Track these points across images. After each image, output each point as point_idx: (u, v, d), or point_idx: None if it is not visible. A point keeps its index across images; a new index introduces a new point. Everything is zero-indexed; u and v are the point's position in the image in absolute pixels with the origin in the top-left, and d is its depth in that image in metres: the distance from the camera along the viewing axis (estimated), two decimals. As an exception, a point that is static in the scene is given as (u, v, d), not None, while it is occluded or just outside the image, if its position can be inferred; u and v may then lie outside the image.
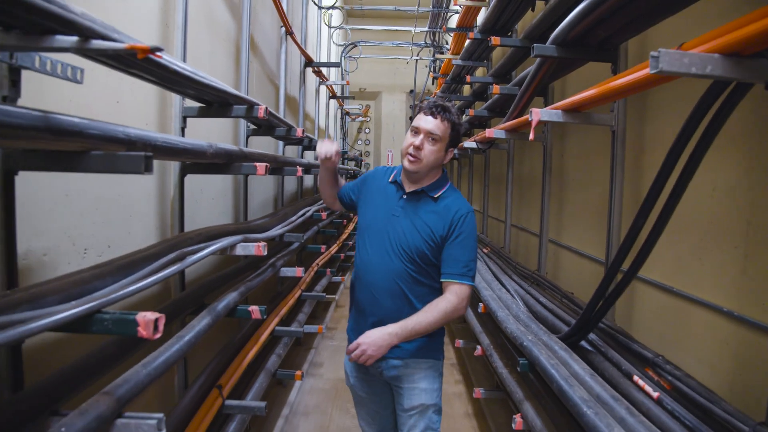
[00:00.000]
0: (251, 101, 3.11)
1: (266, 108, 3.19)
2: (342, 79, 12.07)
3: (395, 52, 14.65)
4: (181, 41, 3.17)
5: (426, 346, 2.53)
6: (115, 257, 2.11)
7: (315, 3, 9.04)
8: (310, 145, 6.46)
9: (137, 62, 1.98)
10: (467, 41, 6.77)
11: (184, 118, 3.20)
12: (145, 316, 1.62)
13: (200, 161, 2.88)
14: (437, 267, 2.46)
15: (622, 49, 3.12)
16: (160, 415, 1.60)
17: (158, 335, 1.65)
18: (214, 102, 3.04)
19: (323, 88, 10.02)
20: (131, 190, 2.93)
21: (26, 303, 1.53)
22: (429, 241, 2.42)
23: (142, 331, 1.62)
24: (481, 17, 6.99)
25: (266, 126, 4.22)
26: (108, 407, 1.58)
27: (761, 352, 2.24)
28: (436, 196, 2.49)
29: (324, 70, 9.21)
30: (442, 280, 2.45)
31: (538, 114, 2.90)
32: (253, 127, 4.53)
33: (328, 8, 10.00)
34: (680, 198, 2.07)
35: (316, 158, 2.89)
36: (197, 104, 3.16)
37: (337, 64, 9.42)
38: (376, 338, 2.34)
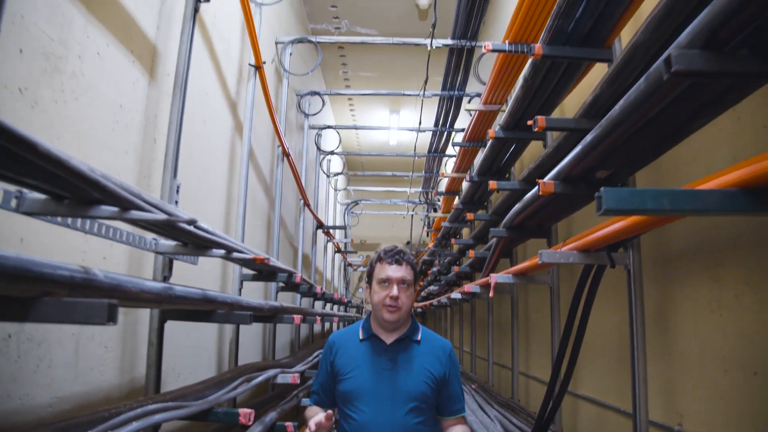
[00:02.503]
0: (291, 270, 4.36)
1: (301, 276, 4.43)
2: (346, 236, 13.50)
3: (393, 207, 16.25)
4: (241, 226, 4.48)
5: None
6: (207, 378, 3.25)
7: (324, 172, 10.60)
8: (324, 297, 7.65)
9: (183, 231, 3.19)
10: (455, 202, 8.15)
11: (242, 282, 4.42)
12: (244, 411, 2.74)
13: (258, 314, 4.07)
14: (434, 407, 2.42)
15: (553, 229, 4.39)
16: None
17: (251, 423, 2.76)
18: (264, 271, 4.27)
19: (330, 245, 11.39)
20: (204, 335, 4.10)
21: (172, 401, 2.66)
22: (430, 383, 2.35)
23: (243, 419, 2.73)
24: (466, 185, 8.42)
25: (292, 285, 5.43)
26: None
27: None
28: (418, 338, 2.45)
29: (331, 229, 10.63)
30: (448, 417, 2.45)
31: (494, 278, 4.10)
32: (281, 284, 5.76)
33: (335, 175, 11.58)
34: (585, 330, 3.21)
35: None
36: (251, 272, 4.40)
37: (343, 227, 10.89)
38: None
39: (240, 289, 4.47)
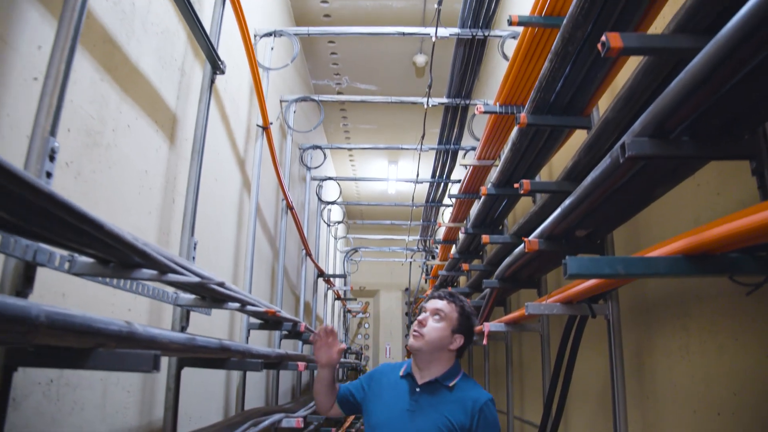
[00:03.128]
0: (295, 320, 4.62)
1: (305, 325, 4.68)
2: (345, 284, 13.74)
3: (391, 255, 16.52)
4: (249, 278, 4.75)
5: None
6: (217, 421, 3.49)
7: (325, 222, 10.91)
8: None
9: (207, 290, 3.46)
10: (451, 251, 8.42)
11: (249, 330, 4.67)
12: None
13: (266, 362, 4.31)
14: None
15: (543, 279, 4.67)
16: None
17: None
18: (271, 320, 4.53)
19: (330, 292, 11.63)
20: (213, 381, 4.33)
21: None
22: (445, 430, 2.20)
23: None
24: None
25: (296, 333, 5.67)
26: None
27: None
28: (450, 385, 2.31)
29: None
30: None
31: (488, 326, 4.36)
32: (285, 332, 5.99)
33: (335, 224, 11.89)
34: (572, 375, 3.46)
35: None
36: (258, 321, 4.65)
37: (343, 276, 11.14)
38: None
39: (247, 338, 4.72)
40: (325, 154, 8.57)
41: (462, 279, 9.65)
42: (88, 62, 2.58)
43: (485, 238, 4.77)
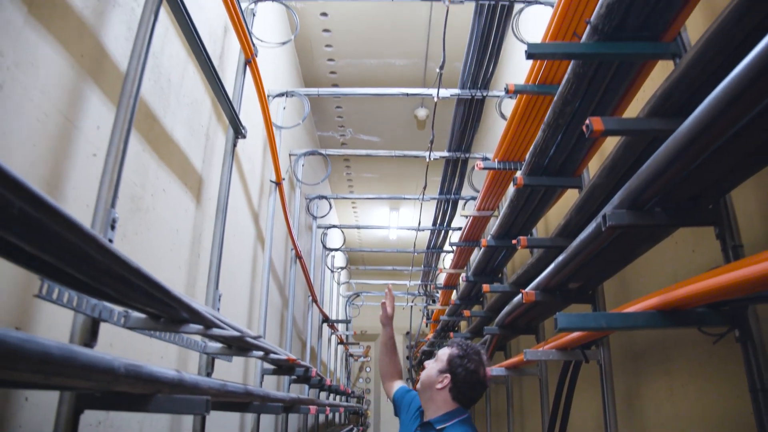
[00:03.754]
0: (307, 366, 4.88)
1: (317, 370, 4.94)
2: (348, 329, 13.95)
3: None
4: (263, 326, 5.02)
5: None
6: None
7: (329, 268, 11.20)
8: (331, 389, 8.09)
9: (239, 343, 3.74)
10: (452, 296, 8.69)
11: (263, 375, 4.93)
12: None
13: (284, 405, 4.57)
14: None
15: (541, 326, 4.95)
16: None
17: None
18: (284, 366, 4.79)
19: (333, 337, 11.85)
20: (230, 422, 4.57)
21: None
22: None
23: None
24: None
25: (306, 378, 5.92)
26: None
27: None
28: (439, 428, 2.33)
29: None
30: None
31: (489, 371, 4.62)
32: (293, 377, 6.24)
33: (339, 269, 12.18)
34: (568, 417, 3.71)
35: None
36: (272, 366, 4.91)
37: (346, 321, 11.39)
38: None
39: (261, 382, 4.97)
40: (330, 204, 8.91)
41: (463, 324, 9.89)
42: (133, 136, 2.91)
43: (485, 287, 5.07)
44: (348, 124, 10.39)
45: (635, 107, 2.91)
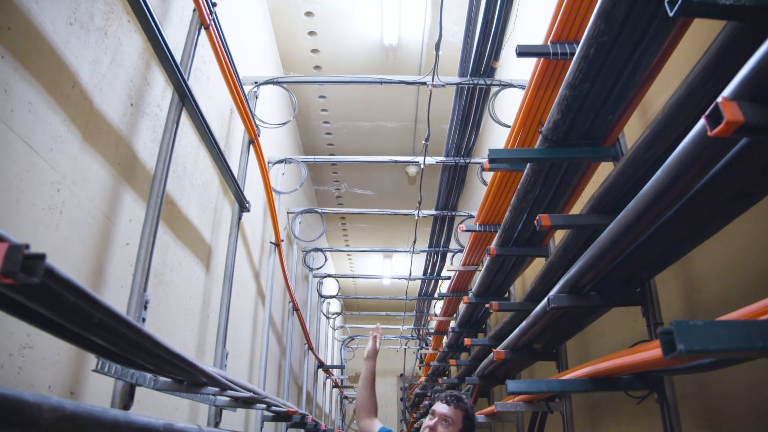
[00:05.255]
0: (303, 413, 5.31)
1: (312, 417, 5.37)
2: (342, 373, 14.34)
3: (386, 342, 17.12)
4: (263, 377, 5.47)
5: None
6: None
7: (324, 314, 11.64)
8: (325, 433, 8.48)
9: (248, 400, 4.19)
10: (443, 341, 9.12)
11: (263, 422, 5.36)
12: None
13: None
14: None
15: (518, 376, 5.40)
16: None
17: None
18: (282, 413, 5.22)
19: (329, 381, 12.23)
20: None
21: None
22: None
23: None
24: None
25: (302, 424, 6.34)
26: None
27: None
28: None
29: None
30: None
31: (469, 418, 5.06)
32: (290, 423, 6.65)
33: (335, 315, 12.62)
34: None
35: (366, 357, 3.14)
36: (271, 413, 5.34)
37: (341, 366, 11.80)
38: None
39: (261, 428, 5.40)
40: (326, 256, 9.41)
41: (453, 368, 10.30)
42: (157, 222, 3.43)
43: (467, 341, 5.54)
44: (343, 180, 10.96)
45: (592, 189, 3.44)
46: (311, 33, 7.36)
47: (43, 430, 1.33)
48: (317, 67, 7.97)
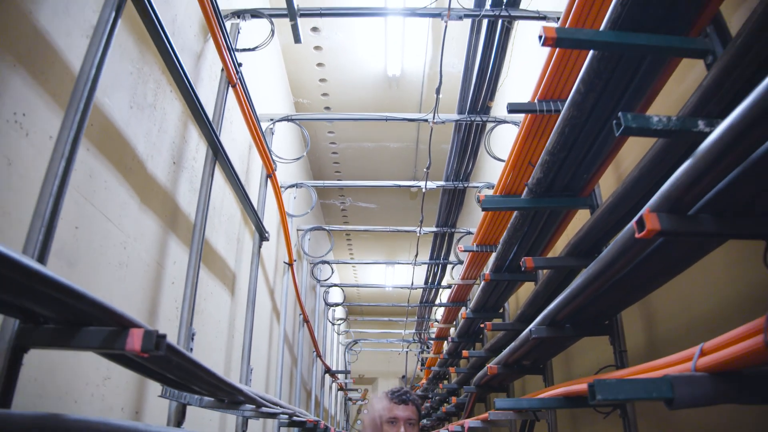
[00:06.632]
0: (317, 420, 5.84)
1: (325, 423, 5.90)
2: (347, 377, 14.89)
3: (389, 345, 17.68)
4: (278, 388, 6.00)
5: None
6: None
7: (330, 321, 12.18)
8: (334, 436, 9.03)
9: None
10: (443, 348, 9.64)
11: (279, 428, 5.89)
12: None
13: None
14: None
15: (511, 386, 5.93)
16: None
17: None
18: (300, 422, 5.75)
19: (334, 384, 12.78)
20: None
21: None
22: None
23: None
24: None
25: (313, 429, 6.87)
26: None
27: None
28: None
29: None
30: None
31: (467, 423, 5.58)
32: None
33: (340, 321, 13.17)
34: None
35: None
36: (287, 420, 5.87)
37: (346, 372, 12.34)
38: None
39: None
40: (332, 269, 9.96)
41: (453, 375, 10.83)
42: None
43: (465, 353, 6.07)
44: (348, 194, 11.51)
45: (576, 224, 3.98)
46: (320, 64, 7.92)
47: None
48: (325, 95, 8.53)
